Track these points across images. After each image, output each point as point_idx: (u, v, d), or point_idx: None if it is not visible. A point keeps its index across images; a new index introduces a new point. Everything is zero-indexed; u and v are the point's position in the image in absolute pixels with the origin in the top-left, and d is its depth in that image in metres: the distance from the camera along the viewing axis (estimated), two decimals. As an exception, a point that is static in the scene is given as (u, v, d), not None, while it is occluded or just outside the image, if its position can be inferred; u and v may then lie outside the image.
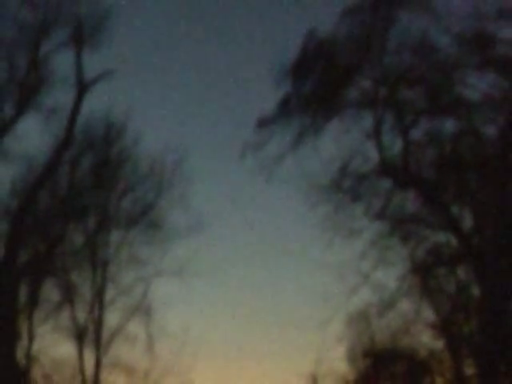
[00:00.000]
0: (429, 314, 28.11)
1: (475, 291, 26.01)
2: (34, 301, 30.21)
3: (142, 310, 31.93)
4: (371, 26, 24.74)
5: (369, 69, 25.24)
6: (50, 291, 31.01)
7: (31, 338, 30.09)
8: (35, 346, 30.26)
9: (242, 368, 39.83)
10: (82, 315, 31.56)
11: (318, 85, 25.52)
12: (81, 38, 28.58)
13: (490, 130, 24.85)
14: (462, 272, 27.13)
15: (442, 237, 26.22)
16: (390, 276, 26.44)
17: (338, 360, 32.95)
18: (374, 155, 25.27)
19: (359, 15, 24.81)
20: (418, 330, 28.94)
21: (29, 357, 29.83)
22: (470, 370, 28.03)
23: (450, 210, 25.13)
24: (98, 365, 31.24)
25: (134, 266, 32.32)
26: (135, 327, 31.83)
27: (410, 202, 26.15)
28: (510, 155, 23.69)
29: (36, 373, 30.36)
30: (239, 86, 44.25)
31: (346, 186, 25.69)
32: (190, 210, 31.96)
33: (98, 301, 31.69)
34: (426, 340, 29.43)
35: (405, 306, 27.04)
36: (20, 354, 29.04)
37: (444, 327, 28.29)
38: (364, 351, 32.95)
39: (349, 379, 33.98)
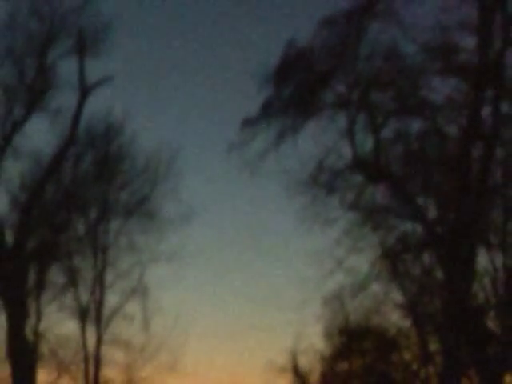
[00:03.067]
0: (397, 295, 29.03)
1: (439, 274, 26.67)
2: (41, 283, 31.03)
3: (139, 291, 32.93)
4: (345, 36, 25.26)
5: (343, 74, 25.76)
6: (56, 275, 32.22)
7: (39, 317, 31.17)
8: (42, 324, 31.44)
9: (229, 344, 41.14)
10: (84, 296, 32.74)
11: (297, 89, 25.96)
12: (83, 46, 29.26)
13: (452, 130, 25.81)
14: (427, 257, 27.77)
15: (409, 226, 26.83)
16: (362, 261, 27.07)
17: (315, 337, 34.35)
18: (347, 152, 25.83)
19: (335, 26, 25.34)
20: (388, 310, 29.85)
21: (37, 334, 30.87)
22: (434, 345, 29.00)
23: (416, 201, 25.76)
24: (98, 341, 32.38)
25: (131, 251, 33.32)
26: (133, 307, 32.96)
27: (380, 194, 26.71)
28: (470, 152, 24.34)
29: (43, 348, 31.27)
30: (226, 90, 44.97)
31: (322, 180, 26.16)
32: (182, 201, 33.14)
33: (99, 283, 32.75)
34: (395, 319, 30.47)
35: (376, 288, 27.70)
36: (29, 331, 29.93)
37: (411, 307, 28.97)
38: (339, 329, 33.59)
39: (325, 354, 34.95)
